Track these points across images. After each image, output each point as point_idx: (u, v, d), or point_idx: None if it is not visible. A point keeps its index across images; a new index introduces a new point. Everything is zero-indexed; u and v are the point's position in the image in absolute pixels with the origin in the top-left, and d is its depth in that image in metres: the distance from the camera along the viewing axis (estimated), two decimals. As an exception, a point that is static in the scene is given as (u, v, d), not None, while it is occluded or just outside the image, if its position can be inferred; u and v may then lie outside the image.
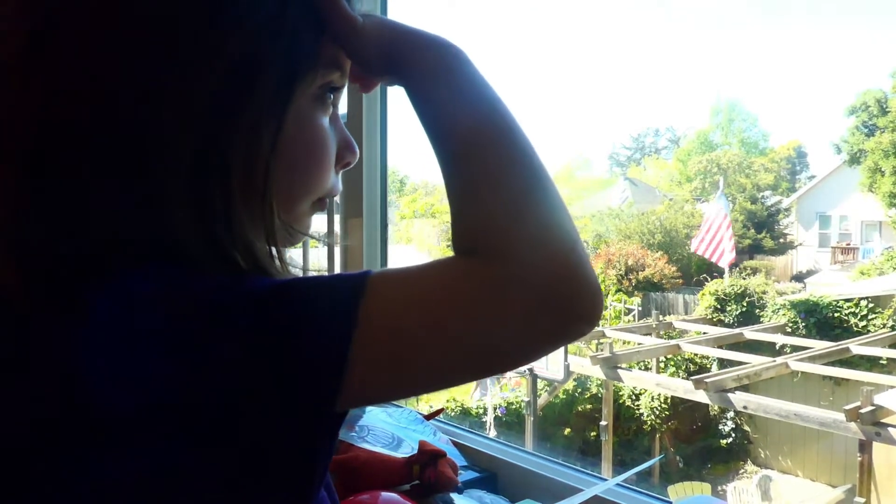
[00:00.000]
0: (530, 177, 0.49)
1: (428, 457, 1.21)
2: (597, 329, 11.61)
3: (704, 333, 10.89)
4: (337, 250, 1.64)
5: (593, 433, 10.39)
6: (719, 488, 9.53)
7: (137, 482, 0.42)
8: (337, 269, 1.64)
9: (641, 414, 10.74)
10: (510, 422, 9.83)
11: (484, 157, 0.49)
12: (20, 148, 0.46)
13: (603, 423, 9.70)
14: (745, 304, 12.08)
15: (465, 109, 0.51)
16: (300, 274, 0.55)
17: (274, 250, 0.51)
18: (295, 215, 0.55)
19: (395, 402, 1.43)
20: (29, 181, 0.46)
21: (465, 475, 1.36)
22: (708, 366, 10.33)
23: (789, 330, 11.03)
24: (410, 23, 0.55)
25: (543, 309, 0.45)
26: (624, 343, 10.59)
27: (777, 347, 10.26)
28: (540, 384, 9.79)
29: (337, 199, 1.50)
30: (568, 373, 9.28)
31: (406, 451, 1.27)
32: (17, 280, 0.44)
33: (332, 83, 0.55)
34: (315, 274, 0.52)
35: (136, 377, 0.41)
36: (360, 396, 0.44)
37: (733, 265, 14.44)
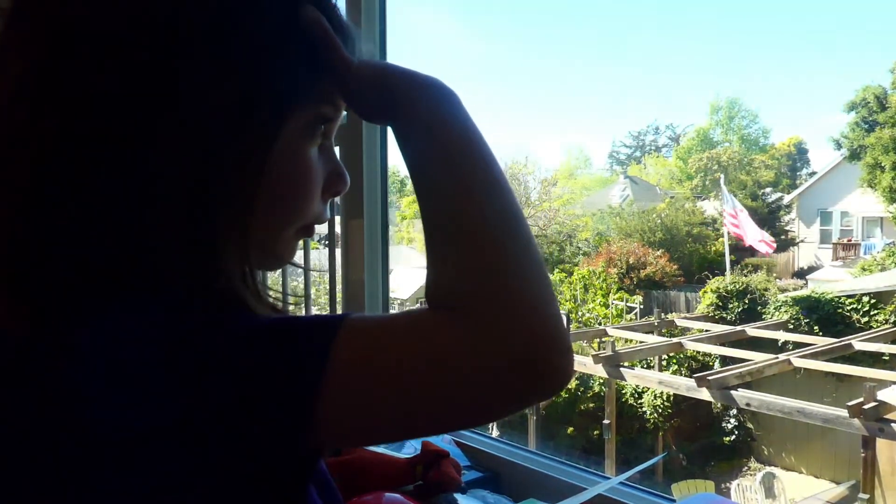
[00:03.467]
0: (508, 233, 0.48)
1: (431, 457, 1.21)
2: (599, 328, 11.65)
3: (706, 331, 10.87)
4: (338, 251, 1.64)
5: (596, 432, 10.39)
6: (723, 486, 9.52)
7: (134, 498, 0.43)
8: (338, 271, 1.64)
9: (644, 412, 10.74)
10: (513, 421, 9.82)
11: (461, 208, 0.49)
12: (14, 180, 0.47)
13: (606, 421, 9.70)
14: (746, 302, 12.06)
15: (446, 156, 0.51)
16: (275, 298, 0.56)
17: (250, 275, 0.52)
18: (278, 242, 0.55)
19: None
20: (21, 213, 0.47)
21: (468, 475, 1.36)
22: (710, 363, 10.33)
23: (791, 327, 11.01)
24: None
25: (512, 370, 0.44)
26: (626, 341, 10.57)
27: (779, 344, 10.25)
28: (542, 383, 9.76)
29: (337, 199, 1.50)
30: (570, 372, 9.27)
31: (409, 451, 1.27)
32: (6, 307, 0.46)
33: (325, 115, 0.55)
34: (293, 313, 0.53)
35: (127, 408, 0.42)
36: (328, 437, 0.45)
37: (734, 262, 14.41)
